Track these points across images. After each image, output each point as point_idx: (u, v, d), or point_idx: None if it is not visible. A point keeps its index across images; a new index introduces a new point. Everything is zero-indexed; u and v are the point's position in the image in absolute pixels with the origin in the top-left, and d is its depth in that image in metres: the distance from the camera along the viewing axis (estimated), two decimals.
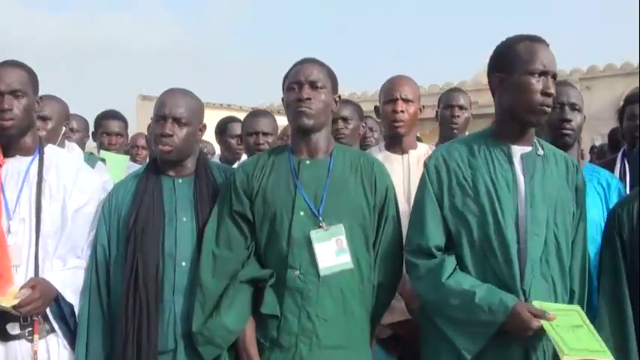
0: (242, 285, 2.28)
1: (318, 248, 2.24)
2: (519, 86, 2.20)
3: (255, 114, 3.72)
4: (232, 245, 2.31)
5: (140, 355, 2.26)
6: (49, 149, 2.58)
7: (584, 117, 2.77)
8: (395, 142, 2.99)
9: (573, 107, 2.68)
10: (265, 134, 3.50)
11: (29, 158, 2.49)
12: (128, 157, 4.08)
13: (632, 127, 3.31)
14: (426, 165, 2.34)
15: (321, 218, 2.26)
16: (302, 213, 2.27)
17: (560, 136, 2.65)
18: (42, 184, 2.45)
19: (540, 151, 2.28)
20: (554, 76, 2.23)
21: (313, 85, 2.32)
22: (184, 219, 2.40)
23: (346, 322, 2.26)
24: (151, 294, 2.30)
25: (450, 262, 2.19)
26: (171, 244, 2.36)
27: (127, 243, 2.36)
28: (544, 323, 2.04)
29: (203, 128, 2.55)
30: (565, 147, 2.61)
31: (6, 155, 2.47)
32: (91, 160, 3.44)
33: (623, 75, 13.40)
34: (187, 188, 2.46)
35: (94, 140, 4.37)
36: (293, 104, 2.33)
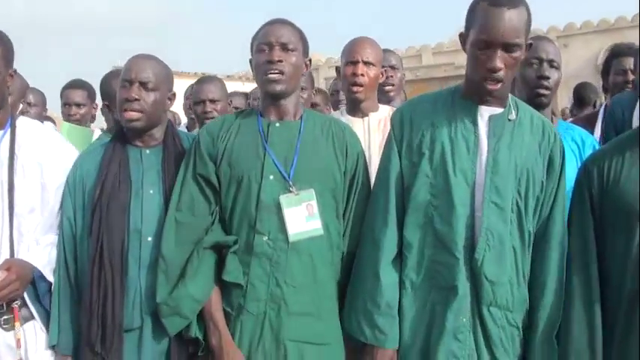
0: (206, 251, 2.21)
1: (288, 213, 2.18)
2: (468, 56, 2.10)
3: (201, 80, 3.60)
4: (195, 210, 2.24)
5: (105, 333, 2.20)
6: (21, 123, 2.43)
7: (561, 75, 2.68)
8: (355, 106, 2.91)
9: (551, 64, 2.59)
10: (213, 101, 3.41)
11: (0, 133, 2.35)
12: (92, 130, 3.90)
13: (622, 82, 3.24)
14: (391, 119, 2.27)
15: (291, 182, 2.20)
16: (272, 177, 2.20)
17: (536, 95, 2.56)
18: (14, 161, 2.32)
19: (512, 115, 2.14)
20: (508, 46, 2.01)
21: (284, 47, 2.24)
22: (151, 191, 2.32)
23: (315, 289, 2.22)
24: (116, 270, 2.22)
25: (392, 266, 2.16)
26: (137, 218, 2.28)
27: (92, 216, 2.28)
28: None
29: (172, 97, 2.44)
30: (540, 106, 2.54)
31: None
32: None
33: (599, 32, 13.40)
34: (155, 159, 2.36)
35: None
36: (263, 66, 2.24)
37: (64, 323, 2.32)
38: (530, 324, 2.14)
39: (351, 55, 2.88)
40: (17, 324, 2.27)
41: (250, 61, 2.33)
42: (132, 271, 2.26)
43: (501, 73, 2.03)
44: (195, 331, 2.21)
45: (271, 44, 2.23)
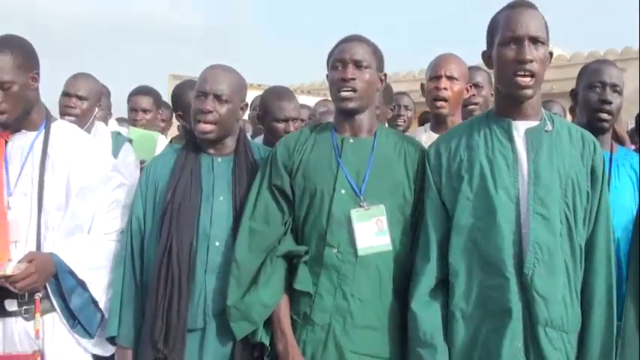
0: (278, 260, 2.28)
1: (358, 228, 2.23)
2: (495, 61, 2.13)
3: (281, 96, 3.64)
4: (269, 220, 2.30)
5: (169, 332, 2.27)
6: (57, 125, 2.54)
7: (623, 100, 2.62)
8: (439, 122, 2.92)
9: (614, 89, 2.55)
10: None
11: (34, 134, 2.47)
12: (156, 134, 4.02)
13: None
14: (427, 152, 2.31)
15: (362, 197, 2.25)
16: (343, 191, 2.26)
17: (597, 119, 2.54)
18: (45, 160, 2.43)
19: (549, 127, 2.12)
20: (534, 40, 2.07)
21: (358, 65, 2.28)
22: (221, 198, 2.40)
23: (381, 303, 2.25)
24: (183, 272, 2.30)
25: (436, 291, 2.16)
26: (206, 223, 2.36)
27: (162, 218, 2.36)
28: None
29: (245, 107, 2.52)
30: (601, 131, 2.51)
31: (12, 131, 2.44)
32: (118, 140, 3.43)
33: None
34: (226, 167, 2.44)
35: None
36: (336, 84, 2.30)
37: (126, 317, 2.40)
38: (580, 347, 2.09)
39: (435, 70, 2.91)
40: (37, 315, 2.35)
41: (327, 76, 2.38)
42: (198, 274, 2.33)
43: (532, 66, 2.05)
44: (261, 336, 2.27)
45: (345, 61, 2.29)
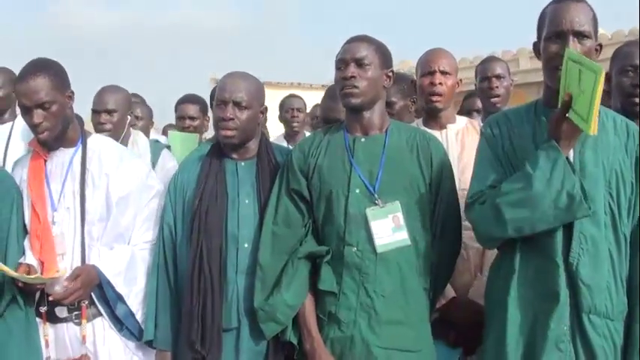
0: (300, 261, 2.33)
1: (375, 225, 2.26)
2: (542, 54, 2.13)
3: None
4: (290, 223, 2.36)
5: (205, 332, 2.35)
6: (92, 139, 2.66)
7: None
8: (432, 117, 2.91)
9: None
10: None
11: (72, 150, 2.59)
12: (196, 135, 4.13)
13: None
14: (481, 131, 2.31)
15: (376, 195, 2.28)
16: (357, 191, 2.29)
17: (630, 104, 2.51)
18: (85, 174, 2.54)
19: None
20: (579, 34, 2.06)
21: (359, 63, 2.31)
22: (247, 201, 2.46)
23: (404, 298, 2.28)
24: (215, 274, 2.37)
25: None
26: (233, 226, 2.43)
27: (191, 224, 2.43)
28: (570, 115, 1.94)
29: (264, 110, 2.57)
30: (635, 115, 2.47)
31: (50, 149, 2.57)
32: (156, 147, 3.52)
33: None
34: (250, 171, 2.51)
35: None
36: (339, 83, 2.34)
37: (162, 321, 2.49)
38: (627, 334, 2.10)
39: (427, 65, 2.91)
40: (84, 321, 2.48)
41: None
42: (230, 275, 2.40)
43: None
44: (290, 336, 2.33)
45: (346, 61, 2.32)
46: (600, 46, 2.14)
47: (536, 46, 2.20)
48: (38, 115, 2.43)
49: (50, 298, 2.41)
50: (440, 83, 2.85)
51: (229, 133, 2.44)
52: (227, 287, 2.40)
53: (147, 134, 3.96)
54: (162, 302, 2.51)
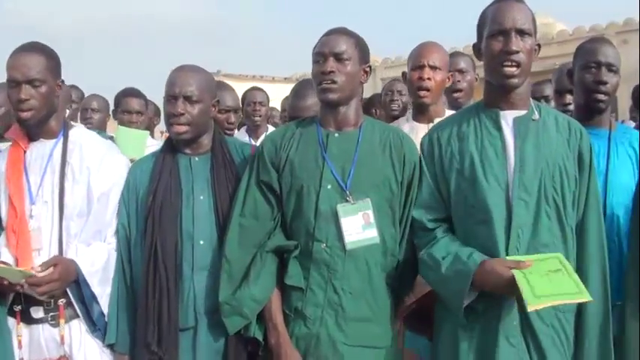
0: (268, 255, 2.29)
1: (345, 222, 2.24)
2: (484, 52, 2.19)
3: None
4: (259, 215, 2.32)
5: (161, 332, 2.29)
6: (74, 132, 2.57)
7: (620, 77, 2.61)
8: (421, 111, 2.92)
9: (610, 68, 2.53)
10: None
11: (53, 141, 2.49)
12: (147, 132, 4.05)
13: None
14: (420, 143, 2.34)
15: (348, 192, 2.25)
16: (329, 186, 2.27)
17: (593, 100, 2.53)
18: (65, 167, 2.45)
19: (536, 116, 2.18)
20: (521, 32, 2.13)
21: (338, 57, 2.27)
22: (201, 197, 2.41)
23: (372, 295, 2.27)
24: (171, 272, 2.32)
25: (439, 232, 2.20)
26: (188, 223, 2.37)
27: (145, 223, 2.38)
28: (516, 273, 1.96)
29: (216, 103, 2.52)
30: (598, 111, 2.53)
31: (31, 139, 2.48)
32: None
33: None
34: (204, 166, 2.45)
35: (115, 118, 4.40)
36: (317, 77, 2.30)
37: (122, 324, 2.42)
38: (578, 326, 2.14)
39: (418, 59, 2.91)
40: (61, 321, 2.38)
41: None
42: (186, 273, 2.35)
43: (518, 57, 2.11)
44: (254, 331, 2.29)
45: (325, 55, 2.28)
46: (539, 46, 2.20)
47: (476, 46, 2.25)
48: (26, 90, 2.34)
49: (22, 282, 2.25)
50: (428, 78, 2.86)
51: (181, 128, 2.38)
52: (183, 286, 2.34)
53: (103, 127, 4.00)
54: (122, 305, 2.44)
